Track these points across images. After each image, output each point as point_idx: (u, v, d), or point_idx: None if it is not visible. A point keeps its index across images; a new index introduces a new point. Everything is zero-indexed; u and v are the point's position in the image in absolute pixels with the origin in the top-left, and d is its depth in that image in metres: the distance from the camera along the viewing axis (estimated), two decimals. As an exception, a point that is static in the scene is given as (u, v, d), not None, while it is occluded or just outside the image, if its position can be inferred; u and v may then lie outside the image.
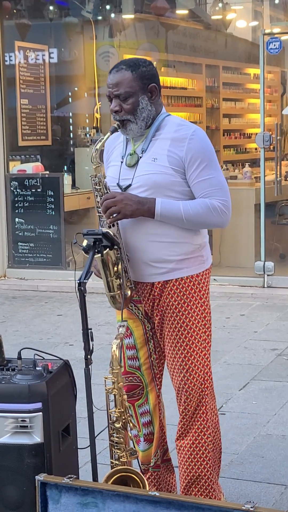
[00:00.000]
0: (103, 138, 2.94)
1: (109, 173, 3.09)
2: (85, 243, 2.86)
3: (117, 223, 2.93)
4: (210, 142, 2.99)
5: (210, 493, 3.07)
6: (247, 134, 11.33)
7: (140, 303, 3.08)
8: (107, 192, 2.93)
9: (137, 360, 3.12)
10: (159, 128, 2.98)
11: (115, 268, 2.91)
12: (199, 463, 3.05)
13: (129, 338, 3.12)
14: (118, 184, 2.99)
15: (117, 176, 3.00)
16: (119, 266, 2.91)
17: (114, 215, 2.88)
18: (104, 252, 2.85)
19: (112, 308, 3.09)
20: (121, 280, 2.93)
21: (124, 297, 2.96)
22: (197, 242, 3.02)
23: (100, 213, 2.93)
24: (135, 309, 3.09)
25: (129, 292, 2.98)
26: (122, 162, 3.02)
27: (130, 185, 2.95)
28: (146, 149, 2.96)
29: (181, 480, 3.11)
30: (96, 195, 2.95)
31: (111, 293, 2.95)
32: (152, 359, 3.15)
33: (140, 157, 2.97)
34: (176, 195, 2.94)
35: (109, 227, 2.91)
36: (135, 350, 3.12)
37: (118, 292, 2.94)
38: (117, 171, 3.01)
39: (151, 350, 3.14)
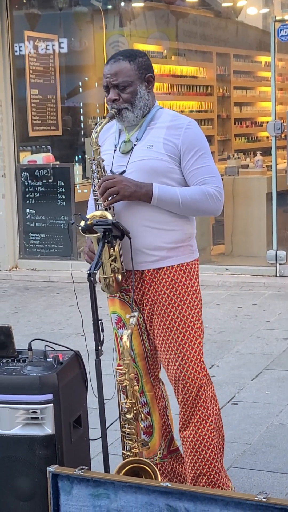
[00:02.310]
0: (101, 122, 2.95)
1: None
2: (82, 223, 2.84)
3: (113, 207, 2.93)
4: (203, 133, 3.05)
5: (219, 481, 3.06)
6: (258, 122, 11.26)
7: (129, 291, 3.05)
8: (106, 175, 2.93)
9: (131, 351, 3.09)
10: (154, 119, 3.00)
11: (111, 251, 2.89)
12: (204, 452, 3.04)
13: (123, 329, 3.09)
14: (111, 171, 2.99)
15: (110, 163, 3.00)
16: (116, 249, 2.90)
17: (110, 198, 2.88)
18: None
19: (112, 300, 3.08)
20: (116, 263, 2.92)
21: (115, 281, 2.95)
22: (188, 231, 3.04)
23: (97, 196, 2.93)
24: (127, 297, 3.07)
25: (120, 277, 2.96)
26: (115, 150, 3.02)
27: (124, 171, 2.95)
28: (141, 137, 2.98)
29: (188, 470, 3.10)
30: (94, 178, 2.95)
31: (105, 276, 2.93)
32: (146, 350, 3.13)
33: (135, 145, 2.97)
34: (171, 182, 2.95)
35: (106, 210, 2.90)
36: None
37: (112, 275, 2.93)
38: (110, 158, 3.01)
39: (145, 342, 3.12)
